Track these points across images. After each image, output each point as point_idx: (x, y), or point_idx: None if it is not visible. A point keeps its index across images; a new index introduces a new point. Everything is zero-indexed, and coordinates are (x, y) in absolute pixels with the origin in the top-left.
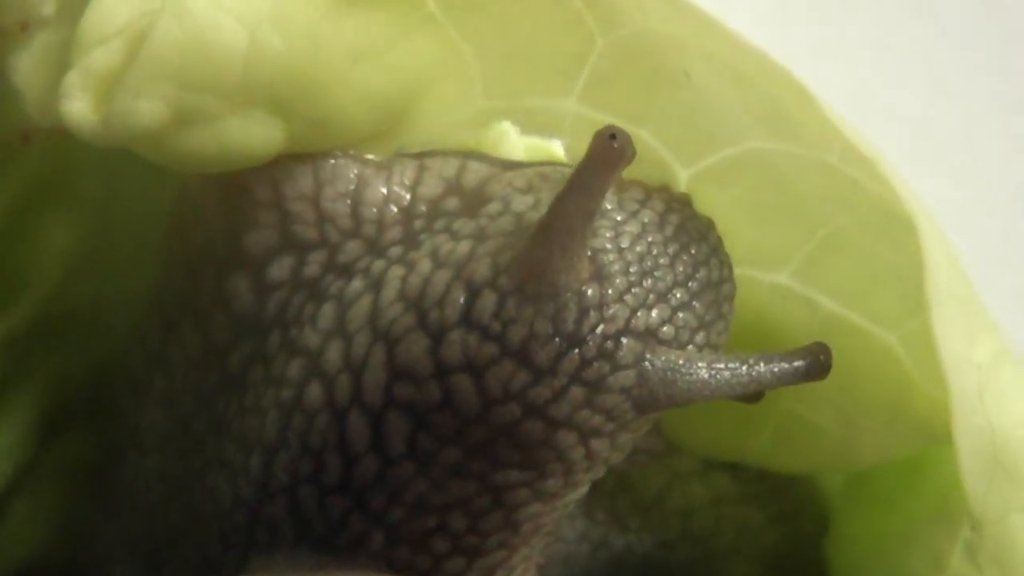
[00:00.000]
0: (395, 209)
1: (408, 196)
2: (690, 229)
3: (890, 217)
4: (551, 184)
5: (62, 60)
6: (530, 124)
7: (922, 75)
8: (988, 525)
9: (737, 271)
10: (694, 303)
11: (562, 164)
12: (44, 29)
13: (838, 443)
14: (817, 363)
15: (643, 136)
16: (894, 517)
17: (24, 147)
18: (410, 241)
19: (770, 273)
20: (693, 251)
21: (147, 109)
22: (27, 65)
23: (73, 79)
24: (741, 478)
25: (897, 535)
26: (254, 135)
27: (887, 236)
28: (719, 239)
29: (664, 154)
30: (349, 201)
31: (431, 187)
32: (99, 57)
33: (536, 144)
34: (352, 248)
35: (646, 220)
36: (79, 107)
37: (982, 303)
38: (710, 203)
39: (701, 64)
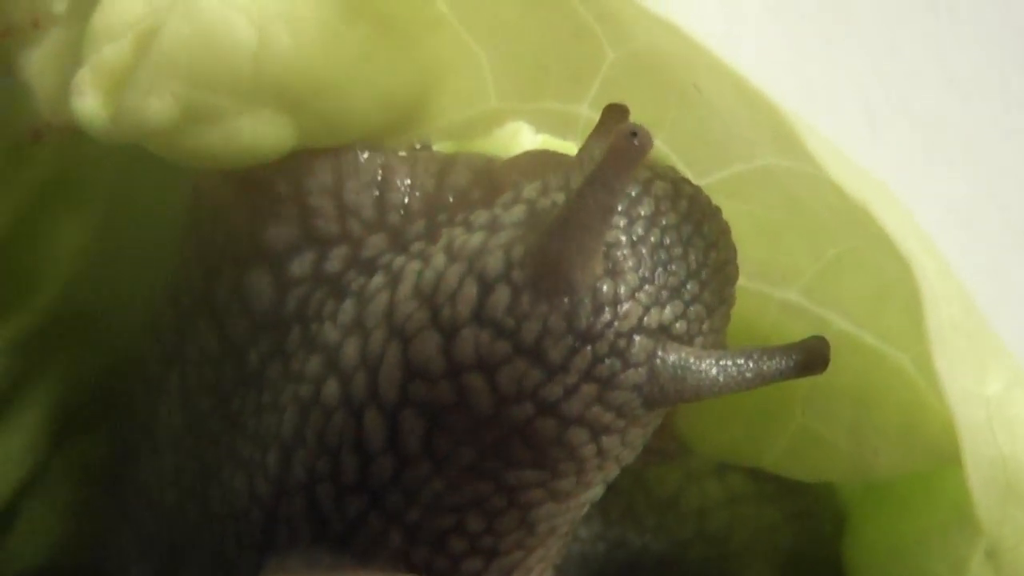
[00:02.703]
0: (421, 197)
1: (434, 184)
2: (703, 205)
3: None
4: (559, 166)
5: (73, 57)
6: (543, 126)
7: (934, 70)
8: (1004, 552)
9: (748, 285)
10: (704, 293)
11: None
12: (55, 26)
13: (851, 459)
14: (815, 356)
15: (656, 144)
16: (911, 521)
17: (35, 145)
18: (432, 235)
19: (779, 289)
20: (705, 230)
21: (157, 106)
22: (38, 62)
23: (84, 76)
24: (757, 477)
25: (915, 539)
26: (264, 133)
27: (897, 257)
28: (726, 221)
29: (676, 163)
30: (376, 192)
31: (459, 177)
32: (109, 54)
33: (550, 142)
34: (375, 242)
35: (660, 193)
36: (90, 103)
37: (992, 331)
38: None
39: (709, 80)
